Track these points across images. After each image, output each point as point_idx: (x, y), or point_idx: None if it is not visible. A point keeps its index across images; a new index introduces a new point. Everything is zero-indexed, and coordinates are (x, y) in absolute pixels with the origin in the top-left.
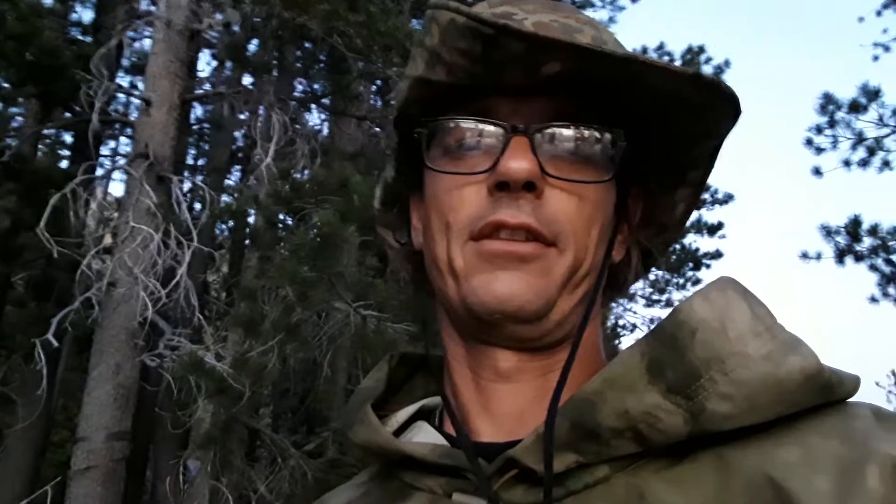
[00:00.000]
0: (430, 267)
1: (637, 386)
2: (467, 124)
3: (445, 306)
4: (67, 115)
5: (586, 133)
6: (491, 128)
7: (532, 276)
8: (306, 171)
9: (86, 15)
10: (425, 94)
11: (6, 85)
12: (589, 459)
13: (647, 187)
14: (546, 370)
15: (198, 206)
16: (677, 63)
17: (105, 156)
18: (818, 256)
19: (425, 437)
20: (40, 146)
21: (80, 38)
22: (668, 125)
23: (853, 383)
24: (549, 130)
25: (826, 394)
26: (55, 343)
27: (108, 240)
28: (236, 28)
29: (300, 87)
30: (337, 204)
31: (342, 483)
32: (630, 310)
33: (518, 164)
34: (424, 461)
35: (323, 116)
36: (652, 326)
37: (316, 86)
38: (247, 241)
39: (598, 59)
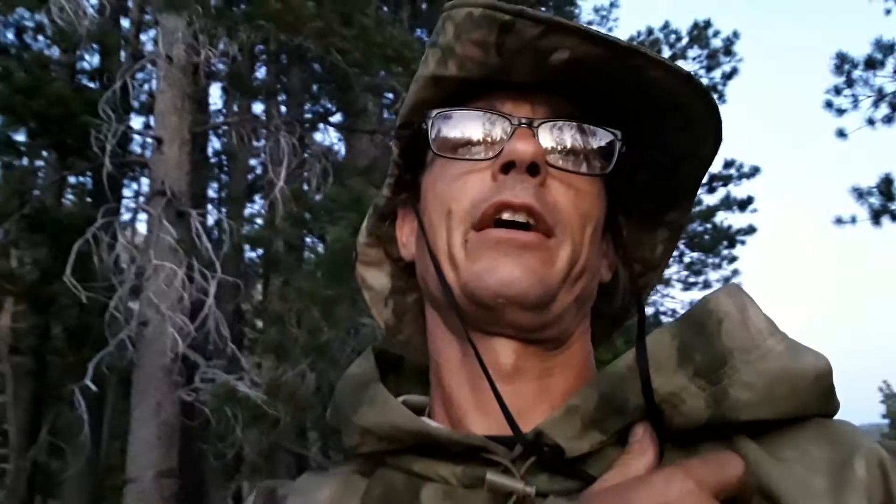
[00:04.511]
0: (424, 270)
1: (668, 366)
2: (475, 115)
3: (440, 303)
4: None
5: (586, 130)
6: (497, 119)
7: (535, 262)
8: (321, 191)
9: (92, 61)
10: (433, 95)
11: (20, 139)
12: (611, 440)
13: (630, 219)
14: (544, 374)
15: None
16: (684, 39)
17: (128, 197)
18: (853, 220)
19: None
20: (68, 195)
21: (88, 84)
22: (658, 133)
23: (838, 404)
24: (552, 125)
25: (827, 400)
26: (93, 388)
27: (134, 280)
28: (239, 57)
29: (310, 109)
30: (352, 219)
31: None
32: (668, 295)
33: (524, 145)
34: (450, 440)
35: (337, 136)
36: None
37: (329, 105)
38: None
39: (605, 47)
